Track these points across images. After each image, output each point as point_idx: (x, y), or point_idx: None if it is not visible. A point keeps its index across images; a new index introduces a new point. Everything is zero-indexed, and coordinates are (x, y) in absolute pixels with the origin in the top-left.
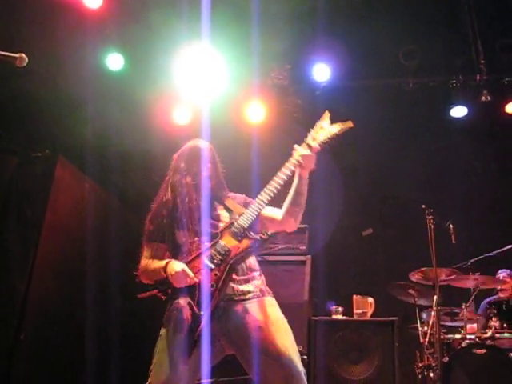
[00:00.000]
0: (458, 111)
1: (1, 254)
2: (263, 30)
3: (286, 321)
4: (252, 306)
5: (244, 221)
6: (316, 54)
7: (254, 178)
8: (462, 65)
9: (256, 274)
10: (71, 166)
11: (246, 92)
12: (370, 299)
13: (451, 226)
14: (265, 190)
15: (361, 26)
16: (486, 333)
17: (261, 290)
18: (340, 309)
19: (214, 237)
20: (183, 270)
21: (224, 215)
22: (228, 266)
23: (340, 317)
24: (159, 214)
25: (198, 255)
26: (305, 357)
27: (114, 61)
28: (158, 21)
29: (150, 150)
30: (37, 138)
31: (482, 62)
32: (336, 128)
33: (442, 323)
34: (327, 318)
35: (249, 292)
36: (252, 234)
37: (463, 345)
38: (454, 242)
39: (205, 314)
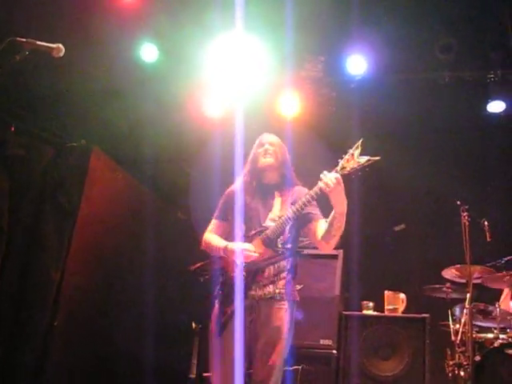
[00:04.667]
0: (496, 106)
1: (37, 243)
2: (297, 20)
3: (286, 331)
4: (265, 311)
5: (271, 232)
6: (351, 46)
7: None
8: (500, 58)
9: (284, 274)
10: (105, 157)
11: (280, 84)
12: (402, 295)
13: (486, 223)
14: (295, 205)
15: (397, 18)
16: None
17: (280, 293)
18: (371, 304)
19: (247, 239)
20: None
21: (276, 206)
22: (253, 270)
23: (371, 312)
24: (227, 194)
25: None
26: (334, 351)
27: (149, 52)
28: (191, 11)
29: (183, 142)
30: (72, 128)
31: None
32: (363, 160)
33: (475, 322)
34: (358, 313)
35: (269, 293)
36: (278, 246)
37: (495, 344)
38: (488, 239)
39: (232, 305)
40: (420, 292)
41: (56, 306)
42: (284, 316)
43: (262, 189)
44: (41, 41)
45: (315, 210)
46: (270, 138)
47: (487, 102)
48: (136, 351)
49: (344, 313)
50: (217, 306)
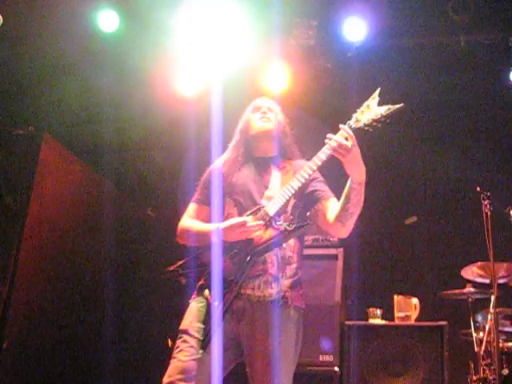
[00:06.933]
0: None
1: None
2: None
3: (294, 343)
4: (264, 319)
5: (270, 207)
6: (348, 8)
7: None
8: None
9: (291, 267)
10: (59, 146)
11: (265, 55)
12: (415, 300)
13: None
14: (297, 175)
15: None
16: None
17: (284, 297)
18: (379, 311)
19: None
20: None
21: (275, 182)
22: (249, 257)
23: (379, 321)
24: (209, 173)
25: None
26: (336, 369)
27: (108, 20)
28: None
29: (151, 127)
30: (17, 112)
31: None
32: (383, 109)
33: (501, 328)
34: (363, 322)
35: (270, 295)
36: (278, 222)
37: None
38: None
39: (219, 307)
40: (436, 296)
41: (4, 326)
42: (291, 328)
43: (256, 162)
44: None
45: (323, 187)
46: (267, 102)
47: (510, 70)
48: (98, 367)
49: (347, 323)
50: (196, 306)
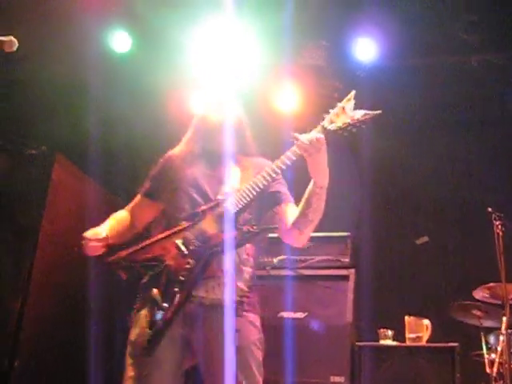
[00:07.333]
0: None
1: None
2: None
3: (257, 349)
4: (220, 321)
5: (232, 205)
6: (359, 28)
7: (288, 174)
8: None
9: (246, 269)
10: (71, 166)
11: (276, 75)
12: (426, 321)
13: None
14: (263, 173)
15: None
16: None
17: (240, 302)
18: (390, 332)
19: (195, 216)
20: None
21: (233, 178)
22: (204, 258)
23: (390, 342)
24: (160, 165)
25: (171, 235)
26: None
27: (121, 41)
28: None
29: (164, 146)
30: (31, 133)
31: None
32: (360, 114)
33: None
34: (374, 343)
35: (224, 299)
36: (238, 224)
37: None
38: None
39: (167, 309)
40: (447, 317)
41: (16, 343)
42: (250, 332)
43: (210, 156)
44: None
45: (284, 190)
46: (224, 94)
47: None
48: None
49: (358, 344)
50: (144, 312)
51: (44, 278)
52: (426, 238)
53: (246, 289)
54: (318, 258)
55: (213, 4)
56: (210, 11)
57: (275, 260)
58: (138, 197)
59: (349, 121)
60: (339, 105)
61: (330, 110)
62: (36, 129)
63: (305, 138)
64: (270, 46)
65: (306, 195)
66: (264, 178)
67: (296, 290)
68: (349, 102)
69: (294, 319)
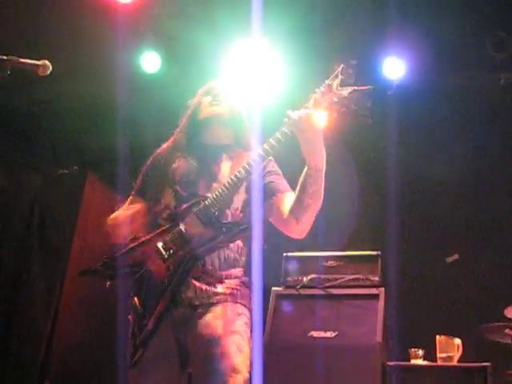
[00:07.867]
0: None
1: (22, 286)
2: (325, 20)
3: (244, 335)
4: (213, 313)
5: (211, 202)
6: (387, 47)
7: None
8: None
9: (235, 270)
10: (102, 184)
11: (305, 95)
12: (457, 340)
13: None
14: (244, 163)
15: (441, 13)
16: None
17: (231, 294)
18: (420, 352)
19: (177, 216)
20: None
21: (225, 175)
22: (185, 261)
23: (421, 362)
24: (150, 164)
25: (151, 238)
26: None
27: (150, 61)
28: (200, 14)
29: None
30: (62, 152)
31: None
32: (346, 91)
33: None
34: (405, 363)
35: (216, 294)
36: (224, 221)
37: None
38: None
39: (148, 319)
40: (479, 336)
41: (47, 365)
42: (240, 326)
43: (204, 151)
44: (24, 57)
45: (280, 179)
46: (221, 84)
47: None
48: None
49: (388, 363)
50: (130, 319)
51: (75, 296)
52: (456, 256)
53: (236, 284)
54: (347, 277)
55: (243, 25)
56: (240, 32)
57: (305, 279)
58: (131, 196)
59: (335, 99)
60: (326, 82)
61: (316, 90)
62: (67, 149)
63: (294, 114)
64: (301, 67)
65: (300, 180)
66: (248, 164)
67: (326, 309)
68: (336, 79)
69: (323, 338)
